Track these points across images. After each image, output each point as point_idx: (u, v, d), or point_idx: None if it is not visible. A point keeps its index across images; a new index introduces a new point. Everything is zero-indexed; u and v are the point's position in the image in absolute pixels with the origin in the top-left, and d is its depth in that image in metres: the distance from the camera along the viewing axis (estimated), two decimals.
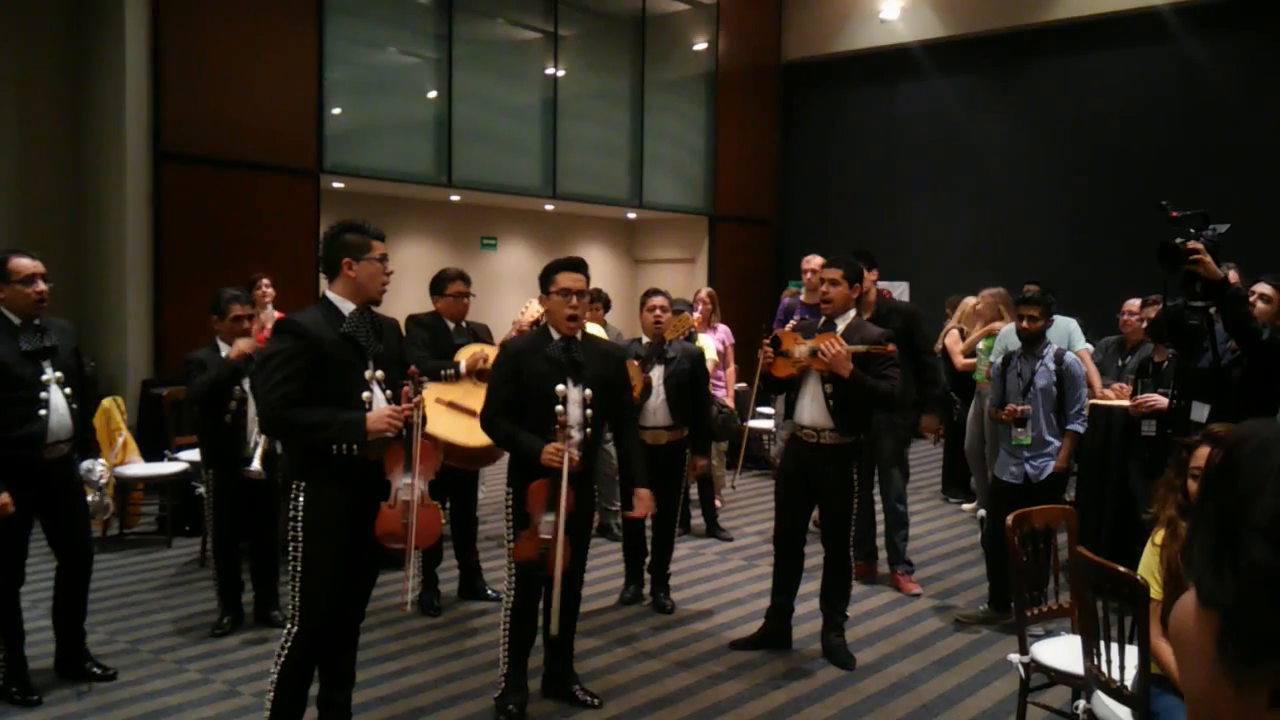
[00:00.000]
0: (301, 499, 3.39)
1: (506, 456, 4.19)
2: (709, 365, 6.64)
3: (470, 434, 4.77)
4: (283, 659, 3.42)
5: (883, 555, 6.04)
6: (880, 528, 6.03)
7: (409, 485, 3.47)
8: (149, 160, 8.08)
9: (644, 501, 4.12)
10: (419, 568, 5.36)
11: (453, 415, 4.91)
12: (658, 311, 5.51)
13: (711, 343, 6.90)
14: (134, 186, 8.02)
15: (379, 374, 3.48)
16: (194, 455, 6.45)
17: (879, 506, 6.04)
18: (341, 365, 3.39)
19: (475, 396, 4.88)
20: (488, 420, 4.03)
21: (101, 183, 8.25)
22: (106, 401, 6.67)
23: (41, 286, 4.07)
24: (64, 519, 4.25)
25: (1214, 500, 0.76)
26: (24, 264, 4.05)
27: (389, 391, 3.49)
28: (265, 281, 7.03)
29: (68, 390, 4.15)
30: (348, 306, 3.45)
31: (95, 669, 4.36)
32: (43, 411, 4.01)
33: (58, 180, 8.35)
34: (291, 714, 3.50)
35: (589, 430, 3.99)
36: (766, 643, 4.83)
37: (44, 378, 4.06)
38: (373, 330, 3.48)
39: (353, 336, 3.41)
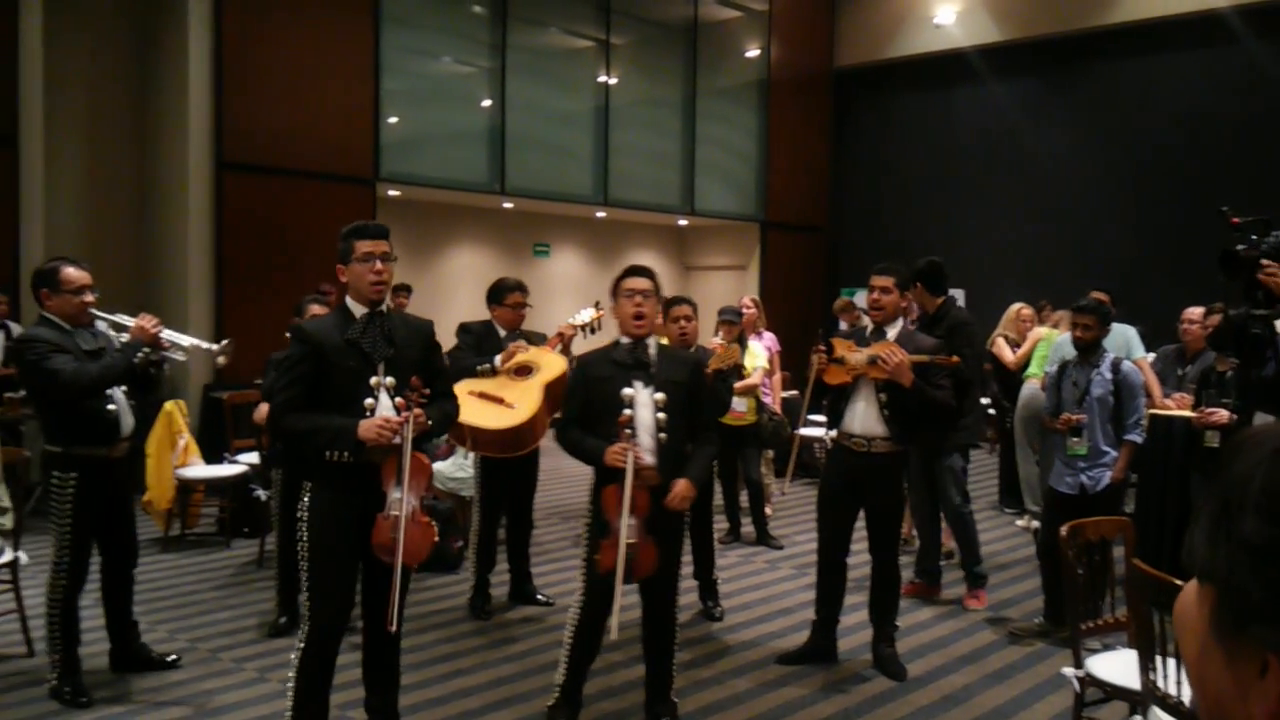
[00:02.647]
0: (307, 499, 3.43)
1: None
2: (758, 373, 6.64)
3: (497, 418, 4.82)
4: (298, 659, 3.44)
5: (948, 576, 5.89)
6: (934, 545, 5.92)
7: (399, 500, 3.40)
8: (210, 168, 8.28)
9: (675, 492, 3.76)
10: (473, 570, 5.40)
11: (482, 404, 4.96)
12: (682, 322, 5.16)
13: (760, 349, 6.88)
14: (196, 194, 8.23)
15: (388, 380, 3.43)
16: (253, 458, 6.59)
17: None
18: (344, 371, 3.37)
19: (506, 388, 4.97)
20: (560, 432, 3.95)
21: (165, 190, 8.47)
22: (169, 405, 6.82)
23: (89, 298, 4.17)
24: (117, 514, 4.34)
25: (1214, 492, 0.78)
26: (75, 274, 4.15)
27: (399, 399, 3.43)
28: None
29: (124, 389, 4.28)
30: (360, 311, 3.46)
31: (161, 658, 4.46)
32: (111, 407, 4.13)
33: (122, 188, 8.61)
34: (312, 714, 3.48)
35: (663, 435, 3.79)
36: (811, 658, 4.77)
37: None
38: (382, 335, 3.44)
39: (357, 342, 3.40)
